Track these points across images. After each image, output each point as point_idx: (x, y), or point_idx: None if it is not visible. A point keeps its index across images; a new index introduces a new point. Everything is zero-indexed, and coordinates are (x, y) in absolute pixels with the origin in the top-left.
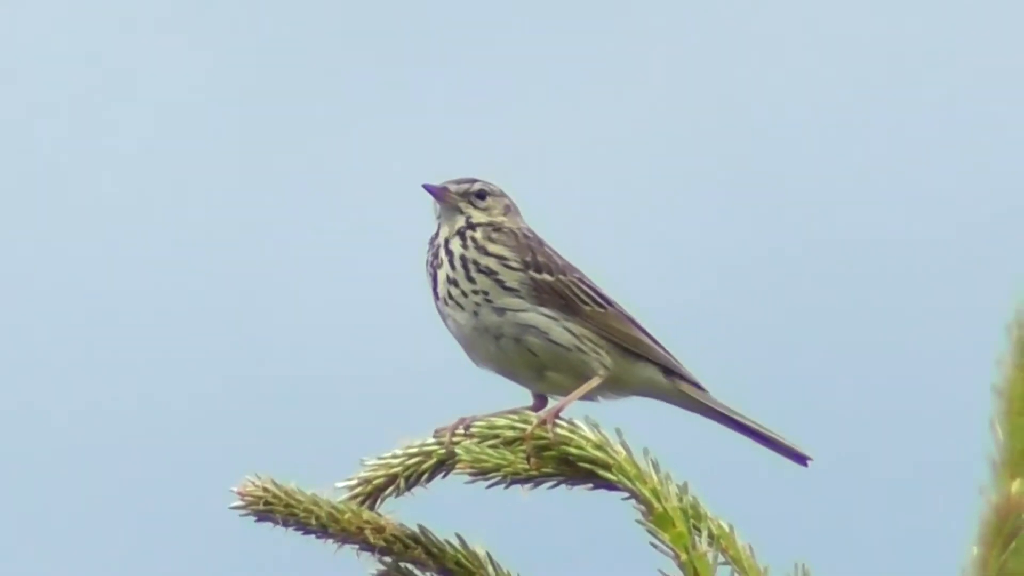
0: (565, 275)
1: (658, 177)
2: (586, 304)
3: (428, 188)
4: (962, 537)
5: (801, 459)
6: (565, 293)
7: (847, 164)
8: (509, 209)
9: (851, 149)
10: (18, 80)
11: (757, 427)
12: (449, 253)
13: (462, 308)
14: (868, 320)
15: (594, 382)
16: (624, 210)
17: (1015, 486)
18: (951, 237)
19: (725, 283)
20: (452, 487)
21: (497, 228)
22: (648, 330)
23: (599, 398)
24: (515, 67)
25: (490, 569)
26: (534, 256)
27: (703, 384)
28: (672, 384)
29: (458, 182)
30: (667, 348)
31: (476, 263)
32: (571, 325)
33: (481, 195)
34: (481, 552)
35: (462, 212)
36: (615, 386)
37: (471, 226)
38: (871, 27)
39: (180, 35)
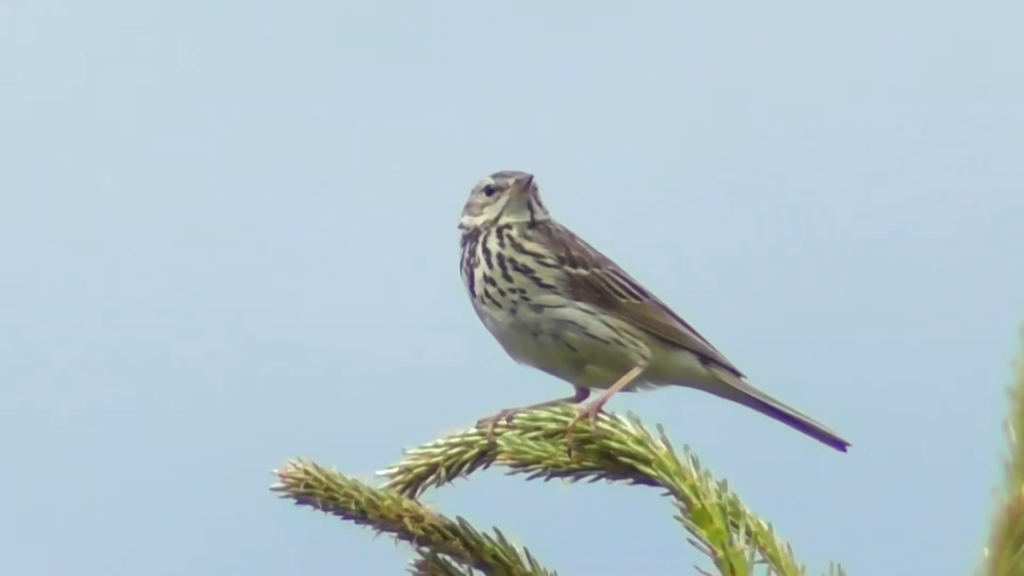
0: (600, 268)
1: (662, 174)
2: (622, 296)
3: (521, 179)
4: (973, 538)
5: (840, 444)
6: (601, 287)
7: (851, 161)
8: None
9: (852, 149)
10: (16, 78)
11: (794, 413)
12: (486, 252)
13: (499, 306)
14: (882, 321)
15: (634, 373)
16: (626, 207)
17: None
18: (962, 238)
19: (739, 278)
20: (493, 480)
21: (532, 224)
22: (684, 319)
23: (638, 389)
24: (517, 66)
25: (527, 564)
26: (568, 251)
27: (740, 371)
28: (709, 372)
29: (529, 177)
30: (703, 336)
31: (513, 261)
32: (608, 318)
33: (536, 190)
34: (519, 547)
35: (529, 207)
36: (654, 376)
37: (532, 223)
38: (873, 27)
39: (179, 34)
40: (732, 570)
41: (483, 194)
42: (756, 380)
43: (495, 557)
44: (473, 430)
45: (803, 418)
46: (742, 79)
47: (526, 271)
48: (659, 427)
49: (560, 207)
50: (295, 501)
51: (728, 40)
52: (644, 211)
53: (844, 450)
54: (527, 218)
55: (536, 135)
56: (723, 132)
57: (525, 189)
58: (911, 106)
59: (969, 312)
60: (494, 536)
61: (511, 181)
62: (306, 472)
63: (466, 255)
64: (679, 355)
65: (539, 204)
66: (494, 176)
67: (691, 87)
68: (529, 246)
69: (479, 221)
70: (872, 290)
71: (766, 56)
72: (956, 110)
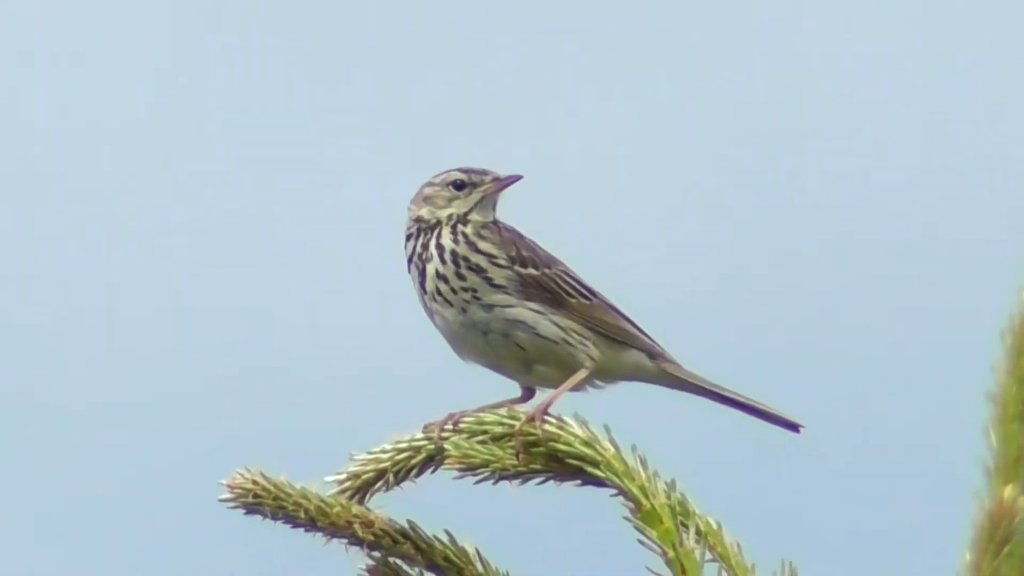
0: (550, 268)
1: (661, 177)
2: (572, 296)
3: (506, 178)
4: (955, 542)
5: (793, 427)
6: (551, 286)
7: (853, 163)
8: None
9: (854, 148)
10: (13, 69)
11: (745, 399)
12: (440, 247)
13: (451, 305)
14: (863, 326)
15: (581, 375)
16: (626, 208)
17: (1008, 492)
18: (943, 242)
19: (722, 278)
20: (442, 483)
21: (484, 225)
22: (632, 318)
23: (587, 388)
24: (519, 66)
25: (479, 565)
26: (518, 251)
27: (687, 365)
28: (658, 366)
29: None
30: (650, 334)
31: (466, 259)
32: (558, 318)
33: None
34: (470, 548)
35: (495, 206)
36: (603, 375)
37: (463, 220)
38: (879, 28)
39: (180, 32)
40: (683, 570)
41: (450, 188)
42: (718, 375)
43: (446, 559)
44: (420, 435)
45: (754, 403)
46: (752, 78)
47: (478, 271)
48: (606, 428)
49: (564, 208)
50: (244, 511)
51: (727, 41)
52: (647, 210)
53: (798, 431)
54: (491, 217)
55: (533, 136)
56: (721, 132)
57: (504, 188)
58: (899, 102)
59: (950, 317)
60: (445, 538)
61: (489, 178)
62: (254, 482)
63: (418, 249)
64: (628, 353)
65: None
66: (464, 171)
67: (694, 86)
68: (483, 245)
69: (443, 215)
70: (851, 294)
71: (775, 55)
72: (959, 111)
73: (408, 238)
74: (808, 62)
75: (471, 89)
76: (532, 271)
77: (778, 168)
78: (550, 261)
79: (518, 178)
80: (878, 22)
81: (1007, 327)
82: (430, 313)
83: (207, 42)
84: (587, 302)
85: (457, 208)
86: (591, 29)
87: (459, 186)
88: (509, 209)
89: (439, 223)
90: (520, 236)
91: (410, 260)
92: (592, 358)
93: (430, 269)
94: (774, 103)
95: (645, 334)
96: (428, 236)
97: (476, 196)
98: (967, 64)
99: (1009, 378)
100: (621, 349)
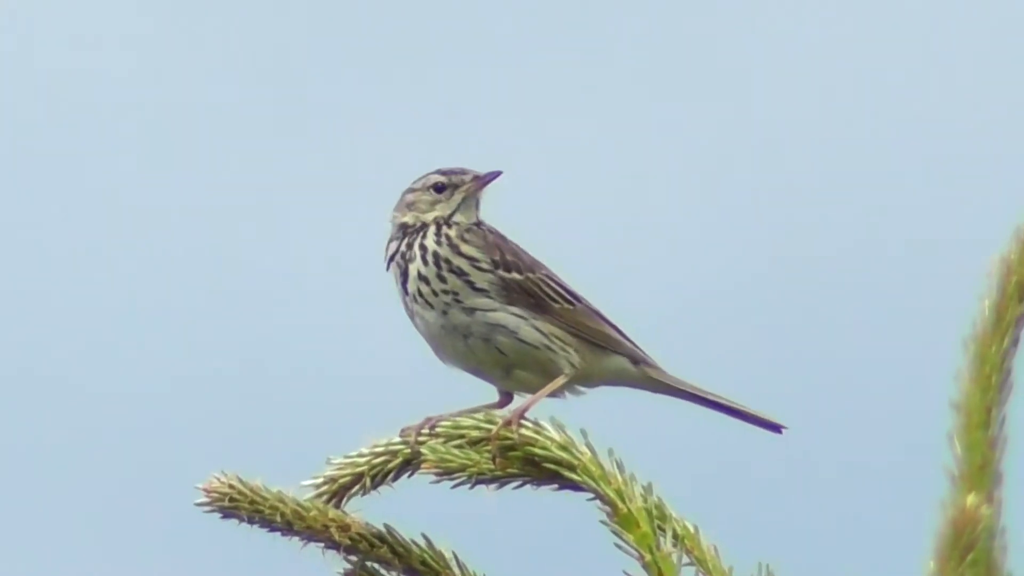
0: (533, 273)
1: (656, 177)
2: (555, 302)
3: (484, 176)
4: (919, 550)
5: (775, 427)
6: (534, 291)
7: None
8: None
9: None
10: (12, 61)
11: (727, 401)
12: (423, 248)
13: (431, 307)
14: (829, 334)
15: (560, 381)
16: (621, 209)
17: (971, 499)
18: (908, 252)
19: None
20: (419, 487)
21: (468, 228)
22: (615, 323)
23: (567, 394)
24: (519, 64)
25: (456, 569)
26: (502, 255)
27: (669, 369)
28: (641, 371)
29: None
30: (632, 339)
31: (448, 262)
32: (540, 324)
33: None
34: (447, 552)
35: (478, 206)
36: (585, 380)
37: (448, 223)
38: (883, 29)
39: (179, 30)
40: (660, 573)
41: (431, 191)
42: (700, 379)
43: (424, 563)
44: (397, 439)
45: (736, 406)
46: (748, 78)
47: (460, 274)
48: (583, 432)
49: (558, 207)
50: (220, 515)
51: (733, 40)
52: (639, 210)
53: (780, 432)
54: (475, 218)
55: (532, 138)
56: (712, 137)
57: (485, 185)
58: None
59: (912, 326)
60: (422, 542)
61: (468, 177)
62: (230, 486)
63: (402, 248)
64: (611, 359)
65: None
66: (443, 173)
67: (694, 86)
68: (465, 248)
69: (428, 218)
70: (813, 304)
71: (771, 55)
72: (964, 112)
73: (391, 241)
74: (809, 61)
75: (467, 90)
76: (515, 275)
77: (762, 172)
78: (534, 265)
79: (498, 174)
80: (878, 22)
81: (970, 335)
82: (411, 314)
83: (206, 42)
84: (570, 307)
85: (441, 211)
86: (588, 29)
87: (440, 188)
88: (494, 212)
89: (425, 226)
90: (504, 239)
91: (391, 259)
92: (573, 364)
93: (412, 270)
94: (774, 107)
95: (628, 339)
96: (414, 237)
97: (458, 197)
98: (966, 68)
99: (973, 386)
100: (604, 354)
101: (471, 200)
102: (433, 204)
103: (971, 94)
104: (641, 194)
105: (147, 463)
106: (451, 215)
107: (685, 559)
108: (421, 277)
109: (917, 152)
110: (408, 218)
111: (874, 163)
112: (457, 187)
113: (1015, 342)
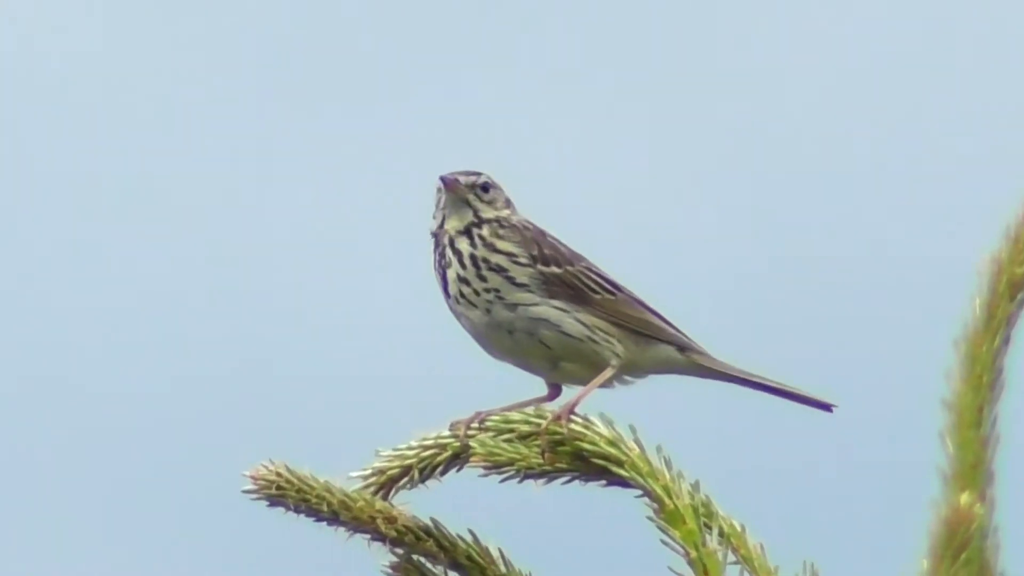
0: (573, 265)
1: (659, 172)
2: (596, 293)
3: (443, 179)
4: (912, 550)
5: (825, 406)
6: (574, 284)
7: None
8: (509, 203)
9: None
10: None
11: (775, 384)
12: (457, 252)
13: (475, 306)
14: (824, 333)
15: (607, 373)
16: (624, 205)
17: (964, 498)
18: (900, 251)
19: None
20: (467, 482)
21: (503, 224)
22: (658, 311)
23: (616, 384)
24: (521, 63)
25: (502, 566)
26: (540, 249)
27: (715, 355)
28: (688, 358)
29: (466, 174)
30: (677, 326)
31: (487, 261)
32: (582, 316)
33: (485, 188)
34: (493, 548)
35: (469, 205)
36: (632, 370)
37: (478, 223)
38: (884, 29)
39: (177, 30)
40: (705, 570)
41: (436, 199)
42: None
43: (469, 558)
44: (446, 432)
45: (785, 387)
46: (748, 78)
47: (499, 270)
48: (632, 428)
49: (562, 201)
50: (267, 503)
51: (733, 40)
52: (645, 206)
53: (830, 411)
54: (470, 218)
55: (535, 135)
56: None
57: (451, 189)
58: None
59: (904, 324)
60: (468, 537)
61: (440, 184)
62: (278, 474)
63: (436, 256)
64: (656, 347)
65: (486, 202)
66: (439, 180)
67: (693, 85)
68: (502, 245)
69: (434, 226)
70: (809, 303)
71: (769, 55)
72: (964, 113)
73: (433, 247)
74: (810, 63)
75: (476, 86)
76: (555, 269)
77: (792, 164)
78: (573, 258)
79: (446, 179)
80: (879, 23)
81: (961, 335)
82: (457, 316)
83: (205, 42)
84: (612, 297)
85: (438, 217)
86: (596, 27)
87: (437, 198)
88: (534, 207)
89: (440, 232)
90: (543, 234)
91: (433, 267)
92: (618, 355)
93: (451, 274)
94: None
95: (672, 326)
96: (442, 244)
97: (441, 203)
98: (966, 68)
99: (964, 385)
100: (649, 343)
101: (453, 200)
102: (435, 213)
103: (970, 94)
104: (672, 180)
105: (196, 452)
106: (442, 221)
107: (731, 557)
108: (461, 279)
109: (916, 152)
110: (432, 226)
111: (861, 163)
112: (440, 192)
113: (1006, 341)
